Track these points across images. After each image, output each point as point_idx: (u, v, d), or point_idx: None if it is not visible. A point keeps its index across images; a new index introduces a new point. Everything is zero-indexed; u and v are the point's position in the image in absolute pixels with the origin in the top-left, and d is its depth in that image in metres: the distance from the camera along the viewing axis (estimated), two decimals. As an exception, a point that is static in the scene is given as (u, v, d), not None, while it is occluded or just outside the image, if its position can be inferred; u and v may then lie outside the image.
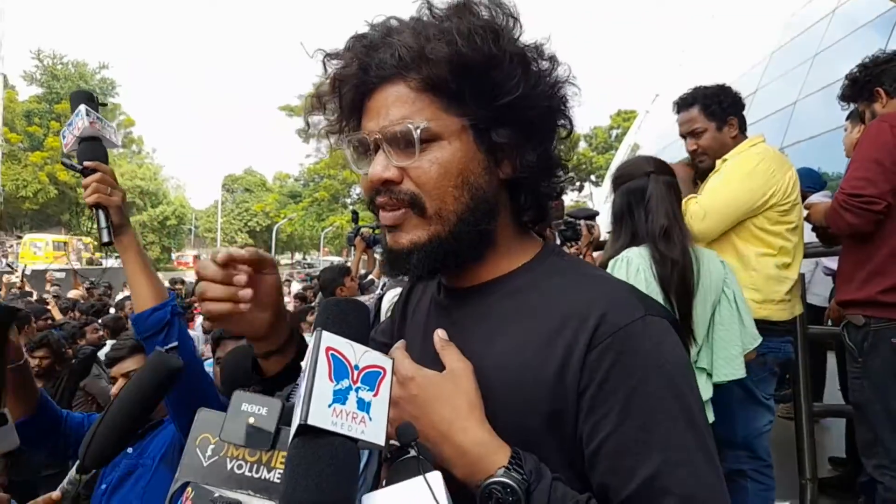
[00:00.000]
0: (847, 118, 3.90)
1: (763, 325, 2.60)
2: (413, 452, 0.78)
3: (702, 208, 2.73)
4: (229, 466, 0.87)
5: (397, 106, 0.86)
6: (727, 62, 14.82)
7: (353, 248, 5.64)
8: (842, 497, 3.39)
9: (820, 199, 3.34)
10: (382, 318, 3.30)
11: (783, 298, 2.78)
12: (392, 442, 0.82)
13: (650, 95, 22.80)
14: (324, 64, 0.93)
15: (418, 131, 0.84)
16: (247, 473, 0.85)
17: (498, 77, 0.86)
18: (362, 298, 4.11)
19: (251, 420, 0.83)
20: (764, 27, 13.70)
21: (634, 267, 2.25)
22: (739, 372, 2.34)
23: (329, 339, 0.75)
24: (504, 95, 0.86)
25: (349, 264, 5.92)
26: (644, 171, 2.41)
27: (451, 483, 0.77)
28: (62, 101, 50.74)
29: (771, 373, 2.83)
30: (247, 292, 0.95)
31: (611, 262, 2.34)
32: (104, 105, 1.94)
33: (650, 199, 2.34)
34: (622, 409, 0.79)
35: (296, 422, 0.71)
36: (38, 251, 32.79)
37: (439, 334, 0.92)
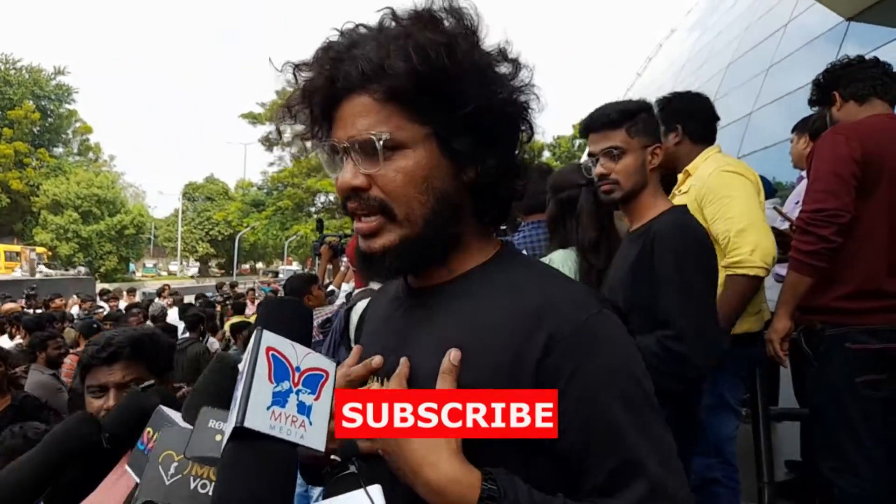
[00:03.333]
0: (793, 130, 4.00)
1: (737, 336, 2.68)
2: (353, 469, 0.76)
3: (746, 245, 2.60)
4: (192, 485, 0.84)
5: (363, 116, 0.89)
6: (685, 73, 15.17)
7: (318, 257, 5.54)
8: (798, 499, 3.47)
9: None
10: (352, 328, 3.27)
11: (758, 310, 2.82)
12: (333, 457, 0.80)
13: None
14: (294, 74, 0.96)
15: (381, 142, 0.88)
16: (210, 493, 0.82)
17: (454, 89, 0.89)
18: (325, 309, 4.07)
19: (218, 437, 0.80)
20: (720, 40, 14.06)
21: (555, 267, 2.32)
22: None
23: (270, 338, 0.73)
24: (462, 106, 0.89)
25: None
26: (576, 182, 2.47)
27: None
28: (15, 107, 49.17)
29: (739, 378, 2.89)
30: None
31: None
32: None
33: (581, 211, 2.44)
34: (589, 410, 0.83)
35: (231, 424, 0.68)
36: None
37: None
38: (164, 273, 63.14)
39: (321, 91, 0.92)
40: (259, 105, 53.29)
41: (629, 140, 2.07)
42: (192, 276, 57.20)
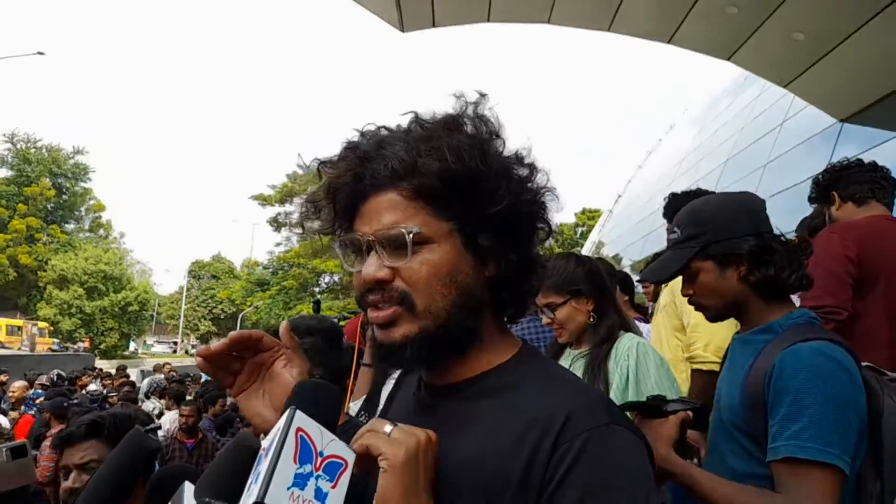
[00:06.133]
0: (795, 230, 4.08)
1: None
2: None
3: (700, 339, 2.69)
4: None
5: (390, 212, 0.92)
6: (684, 167, 15.53)
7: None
8: None
9: None
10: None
11: None
12: None
13: (613, 195, 23.60)
14: (318, 172, 0.99)
15: (411, 235, 0.90)
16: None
17: (484, 189, 0.93)
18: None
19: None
20: (718, 137, 14.46)
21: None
22: None
23: (302, 419, 0.74)
24: (490, 206, 0.93)
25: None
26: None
27: None
28: (32, 184, 50.24)
29: None
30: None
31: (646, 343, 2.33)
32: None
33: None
34: None
35: (251, 499, 0.68)
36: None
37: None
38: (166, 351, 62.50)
39: (347, 187, 0.95)
40: (270, 187, 54.35)
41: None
42: (188, 353, 56.52)
